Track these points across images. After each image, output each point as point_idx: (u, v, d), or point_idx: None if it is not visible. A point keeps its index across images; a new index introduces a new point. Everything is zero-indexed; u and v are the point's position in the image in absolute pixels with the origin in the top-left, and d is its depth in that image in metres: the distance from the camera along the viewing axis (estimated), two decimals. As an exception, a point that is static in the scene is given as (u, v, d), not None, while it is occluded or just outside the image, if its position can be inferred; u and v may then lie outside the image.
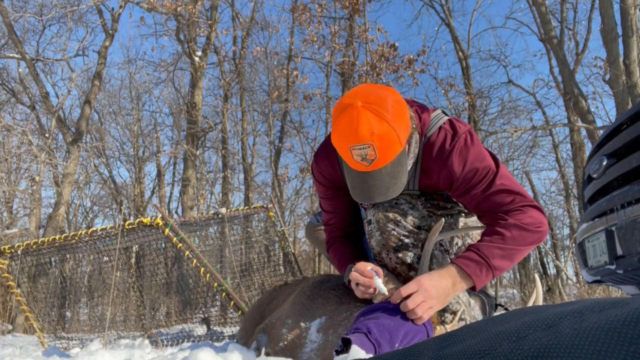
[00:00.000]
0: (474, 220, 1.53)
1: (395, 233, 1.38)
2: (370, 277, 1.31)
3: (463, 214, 1.52)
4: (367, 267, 1.34)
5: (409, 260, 1.38)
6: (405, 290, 1.19)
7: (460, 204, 1.52)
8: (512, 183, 1.34)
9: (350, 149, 1.18)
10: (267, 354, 1.57)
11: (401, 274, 1.41)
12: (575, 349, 0.43)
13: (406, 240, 1.38)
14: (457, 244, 1.50)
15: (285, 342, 1.55)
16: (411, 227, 1.39)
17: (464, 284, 1.25)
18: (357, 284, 1.34)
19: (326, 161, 1.50)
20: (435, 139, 1.36)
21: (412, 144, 1.33)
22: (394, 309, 1.20)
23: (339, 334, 1.43)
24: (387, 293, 1.28)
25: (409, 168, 1.34)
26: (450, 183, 1.37)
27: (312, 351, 1.47)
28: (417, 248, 1.38)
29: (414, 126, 1.33)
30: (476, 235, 1.54)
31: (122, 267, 4.38)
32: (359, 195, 1.26)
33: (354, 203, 1.60)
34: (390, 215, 1.38)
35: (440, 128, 1.37)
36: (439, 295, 1.21)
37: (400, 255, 1.38)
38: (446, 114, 1.44)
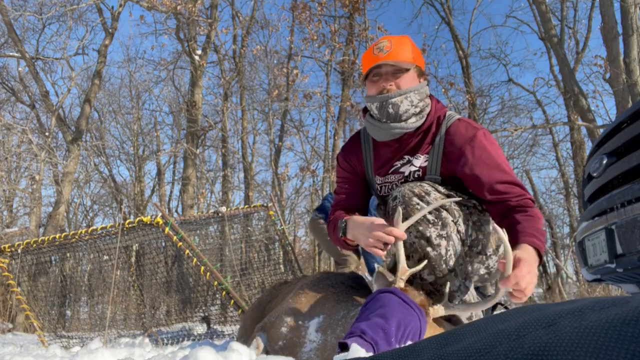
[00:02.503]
0: (486, 219, 1.59)
1: (419, 207, 1.43)
2: (393, 242, 1.39)
3: (477, 210, 1.58)
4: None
5: (428, 234, 1.41)
6: (520, 272, 1.25)
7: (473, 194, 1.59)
8: (518, 180, 1.54)
9: (373, 48, 1.61)
10: (267, 353, 1.57)
11: (418, 250, 1.43)
12: (575, 348, 0.43)
13: (428, 216, 1.43)
14: (471, 235, 1.54)
15: (285, 341, 1.55)
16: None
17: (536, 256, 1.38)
18: (377, 235, 1.40)
19: (351, 147, 1.79)
20: (458, 124, 1.60)
21: (423, 88, 1.62)
22: (379, 306, 1.23)
23: (337, 334, 1.44)
24: (404, 266, 1.36)
25: (416, 122, 1.60)
26: (465, 161, 1.53)
27: (311, 351, 1.47)
28: (437, 226, 1.43)
29: (427, 79, 1.67)
30: (489, 229, 1.60)
31: (122, 265, 4.38)
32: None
33: (367, 193, 1.80)
34: (416, 190, 1.46)
35: (459, 120, 1.62)
36: (533, 270, 1.31)
37: (420, 228, 1.42)
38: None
